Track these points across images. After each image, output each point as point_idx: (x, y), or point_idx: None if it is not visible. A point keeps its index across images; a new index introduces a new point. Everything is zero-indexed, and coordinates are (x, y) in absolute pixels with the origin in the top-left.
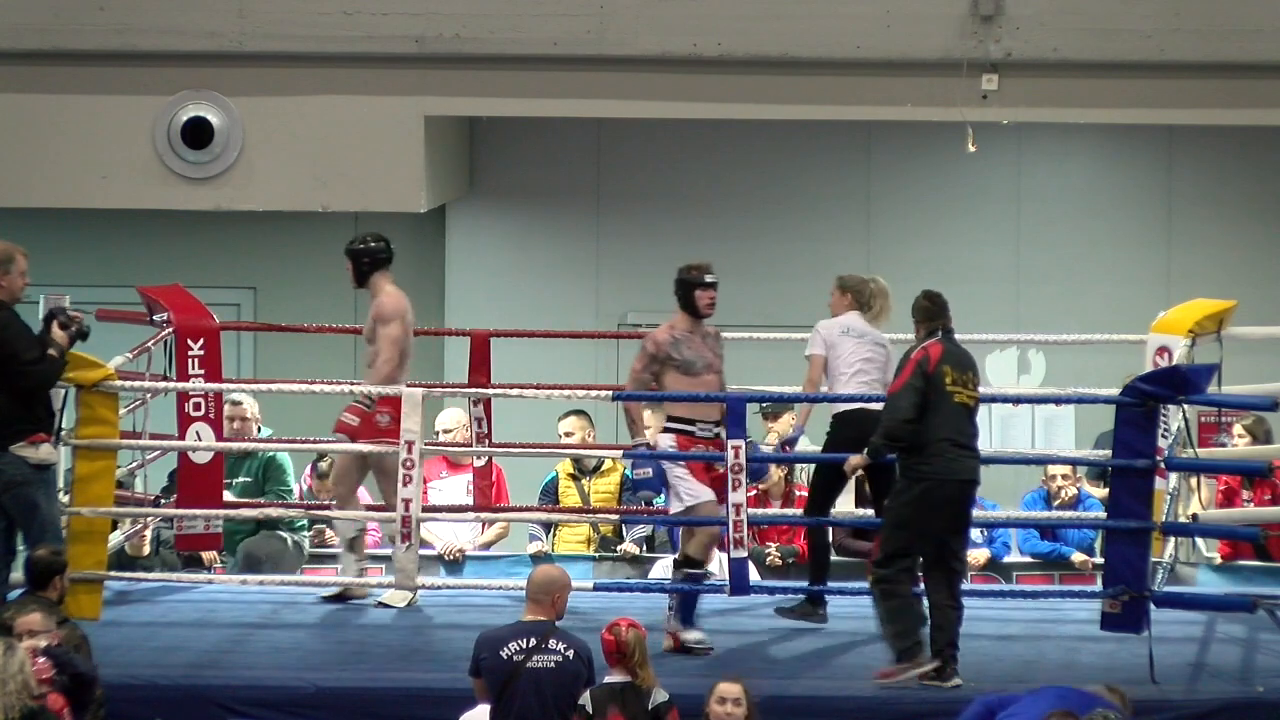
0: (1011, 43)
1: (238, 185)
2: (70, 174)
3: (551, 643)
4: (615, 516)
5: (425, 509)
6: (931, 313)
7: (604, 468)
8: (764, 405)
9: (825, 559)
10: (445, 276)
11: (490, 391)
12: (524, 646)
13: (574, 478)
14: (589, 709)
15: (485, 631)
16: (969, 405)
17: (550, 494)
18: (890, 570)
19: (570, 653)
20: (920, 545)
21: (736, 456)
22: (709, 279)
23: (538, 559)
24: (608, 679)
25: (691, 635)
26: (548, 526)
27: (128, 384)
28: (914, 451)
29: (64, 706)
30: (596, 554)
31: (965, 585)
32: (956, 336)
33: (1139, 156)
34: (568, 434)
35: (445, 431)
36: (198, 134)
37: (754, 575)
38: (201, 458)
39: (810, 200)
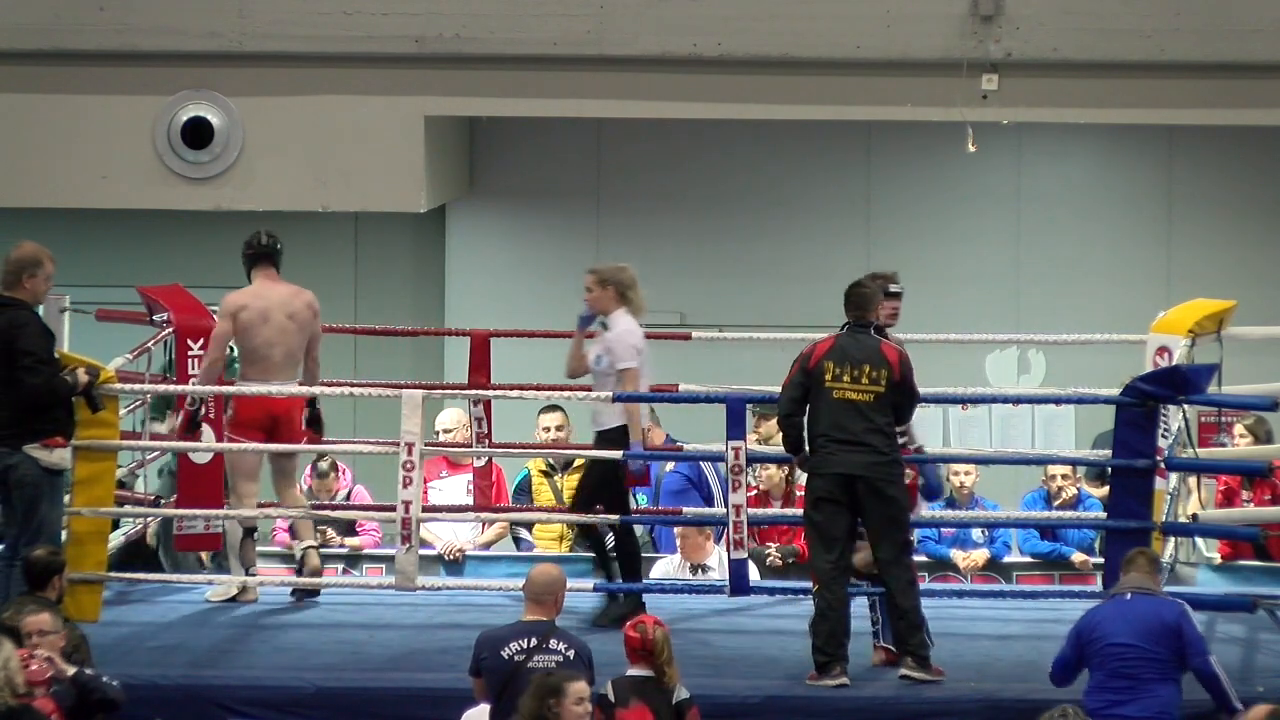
0: (1011, 43)
1: (238, 185)
2: (70, 174)
3: (552, 643)
4: (615, 517)
5: (424, 509)
6: (848, 303)
7: (575, 463)
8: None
9: (604, 556)
10: (445, 276)
11: (489, 393)
12: (525, 646)
13: (546, 474)
14: (611, 698)
15: (485, 631)
16: (853, 401)
17: (525, 493)
18: (824, 575)
19: (571, 653)
20: (825, 540)
21: (736, 458)
22: (893, 289)
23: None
24: (629, 673)
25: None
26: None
27: (128, 386)
28: (809, 447)
29: (54, 710)
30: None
31: (965, 585)
32: (952, 336)
33: (1139, 156)
34: (545, 429)
35: (445, 431)
36: (198, 134)
37: (754, 575)
38: (201, 458)
39: (810, 200)
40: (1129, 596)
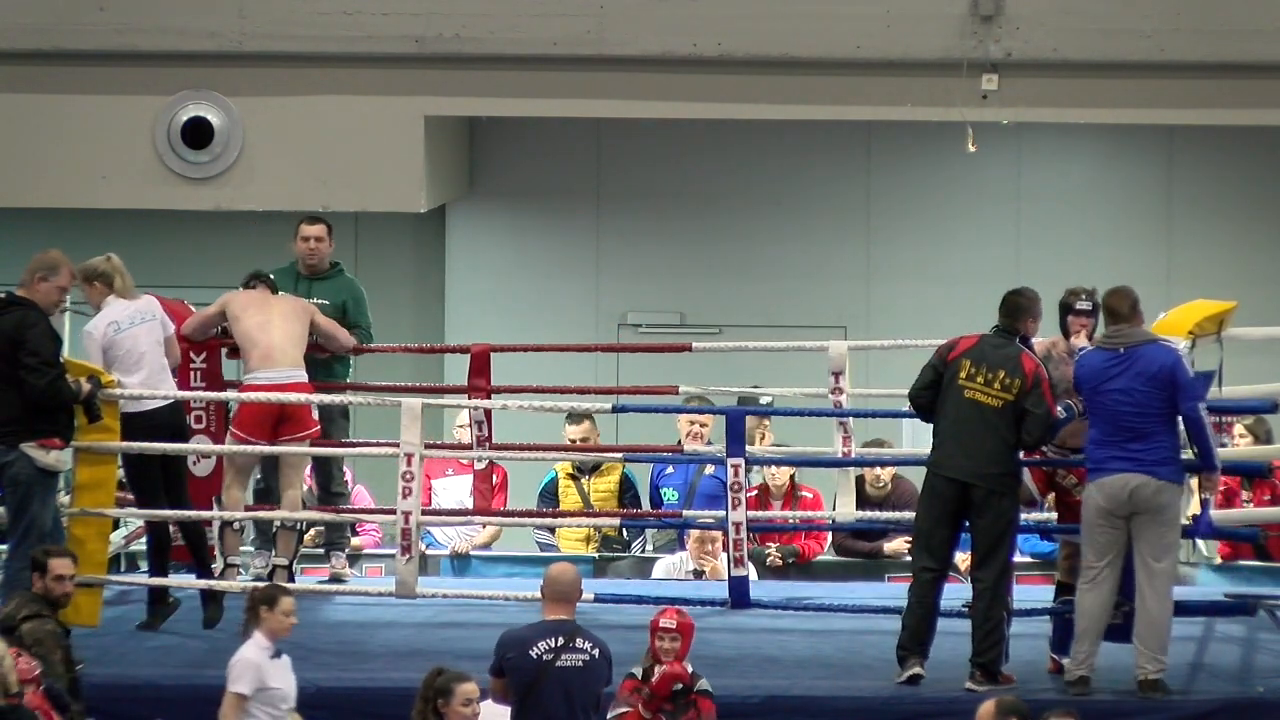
0: (1011, 43)
1: (238, 185)
2: (70, 174)
3: (578, 641)
4: (615, 520)
5: (426, 511)
6: (1000, 308)
7: (603, 467)
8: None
9: (165, 554)
10: (445, 276)
11: (488, 403)
12: (553, 646)
13: (573, 477)
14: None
15: (509, 631)
16: (980, 403)
17: (550, 495)
18: (914, 575)
19: (595, 651)
20: (924, 543)
21: (736, 474)
22: (1080, 305)
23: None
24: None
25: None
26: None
27: (128, 393)
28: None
29: (42, 706)
30: (597, 554)
31: (966, 585)
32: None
33: (1139, 156)
34: (577, 439)
35: (461, 427)
36: (198, 134)
37: (753, 574)
38: (202, 470)
39: (810, 200)
40: (1122, 351)
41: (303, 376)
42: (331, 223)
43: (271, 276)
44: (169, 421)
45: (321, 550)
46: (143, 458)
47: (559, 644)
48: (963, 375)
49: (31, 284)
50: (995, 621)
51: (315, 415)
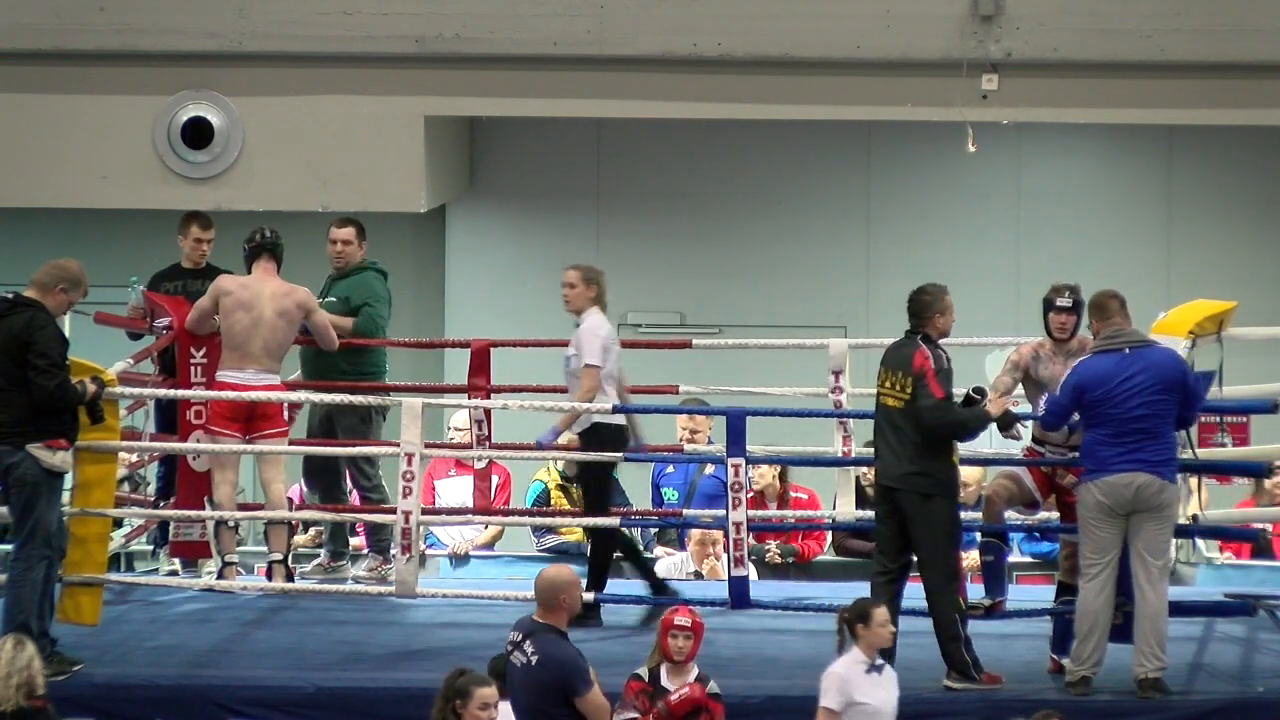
0: (1011, 43)
1: (238, 185)
2: (70, 174)
3: (528, 645)
4: (617, 520)
5: (427, 510)
6: (908, 310)
7: None
8: None
9: (606, 563)
10: (445, 276)
11: (488, 403)
12: (513, 640)
13: (563, 488)
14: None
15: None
16: (891, 407)
17: (543, 506)
18: (870, 579)
19: (535, 659)
20: (876, 545)
21: (736, 474)
22: (1060, 302)
23: None
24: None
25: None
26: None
27: (129, 390)
28: None
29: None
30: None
31: (966, 585)
32: (951, 340)
33: (1139, 156)
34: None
35: (457, 430)
36: (198, 134)
37: (753, 573)
38: (200, 465)
39: (810, 200)
40: (1128, 351)
41: (273, 378)
42: (363, 224)
43: (279, 244)
44: (618, 436)
45: (321, 551)
46: (606, 470)
47: (517, 640)
48: (879, 383)
49: (52, 290)
50: (948, 621)
51: (286, 414)
